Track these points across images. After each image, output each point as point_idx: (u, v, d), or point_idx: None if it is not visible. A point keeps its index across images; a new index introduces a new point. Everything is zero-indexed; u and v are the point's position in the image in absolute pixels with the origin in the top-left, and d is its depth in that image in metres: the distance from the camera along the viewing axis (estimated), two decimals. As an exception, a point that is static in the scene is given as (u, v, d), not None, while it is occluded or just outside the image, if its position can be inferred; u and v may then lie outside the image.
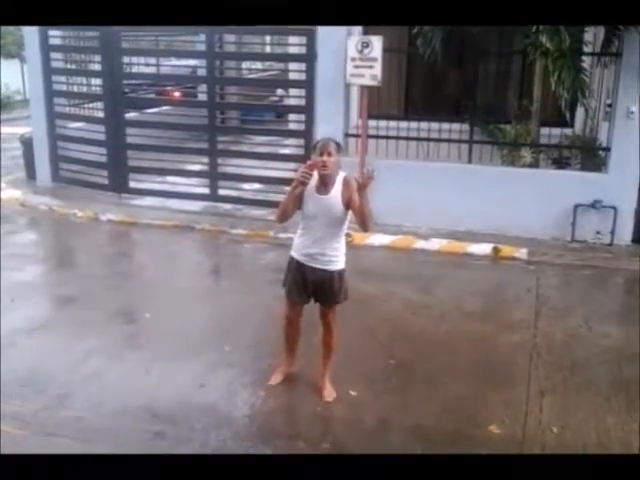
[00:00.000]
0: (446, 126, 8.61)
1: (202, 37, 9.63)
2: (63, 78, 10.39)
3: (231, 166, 9.48)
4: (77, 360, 5.12)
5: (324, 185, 4.33)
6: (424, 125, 8.56)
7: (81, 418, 4.45)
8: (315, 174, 4.28)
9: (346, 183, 4.35)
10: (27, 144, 10.66)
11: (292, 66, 9.90)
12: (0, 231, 8.41)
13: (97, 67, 10.04)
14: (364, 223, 4.34)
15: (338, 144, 4.37)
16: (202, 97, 10.13)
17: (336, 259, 4.50)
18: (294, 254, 4.61)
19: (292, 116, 10.57)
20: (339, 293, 4.57)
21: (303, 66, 8.79)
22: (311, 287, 4.56)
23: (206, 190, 9.52)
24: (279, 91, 14.10)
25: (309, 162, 4.24)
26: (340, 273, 4.54)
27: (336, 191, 4.33)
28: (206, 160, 9.51)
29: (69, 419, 4.42)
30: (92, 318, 5.93)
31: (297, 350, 4.92)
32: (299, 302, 4.67)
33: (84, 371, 5.00)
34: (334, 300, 4.60)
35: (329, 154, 4.24)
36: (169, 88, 13.87)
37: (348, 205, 4.33)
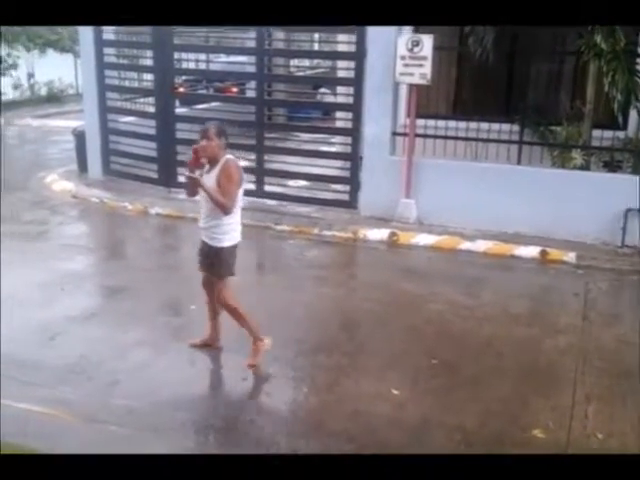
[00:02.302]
0: (495, 126, 8.50)
1: (251, 34, 9.70)
2: (115, 73, 10.58)
3: (277, 163, 9.54)
4: (125, 349, 5.23)
5: (210, 166, 4.80)
6: (473, 125, 8.47)
7: (128, 406, 4.55)
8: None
9: (224, 166, 4.76)
10: (79, 137, 10.90)
11: (341, 64, 9.90)
12: (52, 222, 8.63)
13: (149, 62, 10.21)
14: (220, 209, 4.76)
15: (220, 129, 4.78)
16: (250, 94, 10.21)
17: (218, 236, 4.86)
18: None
19: (339, 114, 10.58)
20: (219, 268, 4.91)
21: (352, 64, 8.78)
22: (204, 259, 4.99)
23: (252, 186, 9.58)
24: (322, 89, 14.11)
25: (193, 147, 4.75)
26: (222, 249, 4.87)
27: (215, 172, 4.77)
28: (253, 156, 9.58)
29: (116, 407, 4.52)
30: (140, 309, 6.05)
31: (218, 325, 5.26)
32: (204, 273, 5.08)
33: (132, 360, 5.10)
34: (216, 274, 4.94)
35: (208, 138, 4.70)
36: (219, 84, 14.04)
37: (219, 185, 4.72)
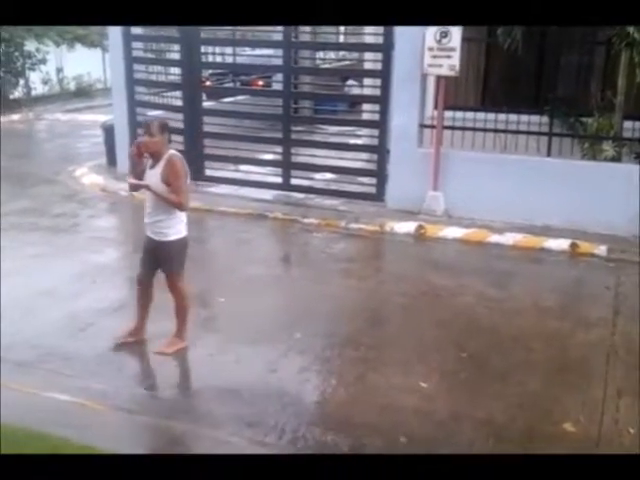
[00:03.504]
0: (525, 118, 8.39)
1: (278, 27, 9.70)
2: (143, 67, 10.65)
3: (304, 156, 9.54)
4: (154, 341, 5.27)
5: (154, 161, 4.79)
6: (502, 117, 8.37)
7: (157, 397, 4.60)
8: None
9: (168, 162, 4.74)
10: (108, 131, 10.99)
11: (368, 56, 9.86)
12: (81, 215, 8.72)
13: (176, 56, 10.25)
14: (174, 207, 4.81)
15: (161, 123, 4.78)
16: (277, 86, 10.21)
17: (165, 230, 4.85)
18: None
19: (366, 106, 10.54)
20: (170, 263, 4.93)
21: (379, 56, 8.74)
22: (149, 254, 4.97)
23: (279, 179, 9.61)
24: (349, 81, 14.07)
25: (135, 142, 4.80)
26: (170, 243, 4.87)
27: (159, 167, 4.75)
28: (280, 149, 9.60)
29: (146, 397, 4.57)
30: (168, 301, 6.08)
31: (147, 314, 5.22)
32: (144, 268, 5.07)
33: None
34: (167, 268, 4.96)
35: (150, 135, 4.68)
36: (245, 77, 14.07)
37: (168, 183, 4.72)
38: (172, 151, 4.82)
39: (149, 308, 5.21)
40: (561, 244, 7.59)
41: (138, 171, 4.85)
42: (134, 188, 5.05)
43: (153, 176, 4.76)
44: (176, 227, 4.88)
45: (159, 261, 4.98)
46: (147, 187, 4.77)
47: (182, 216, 4.90)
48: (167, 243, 4.88)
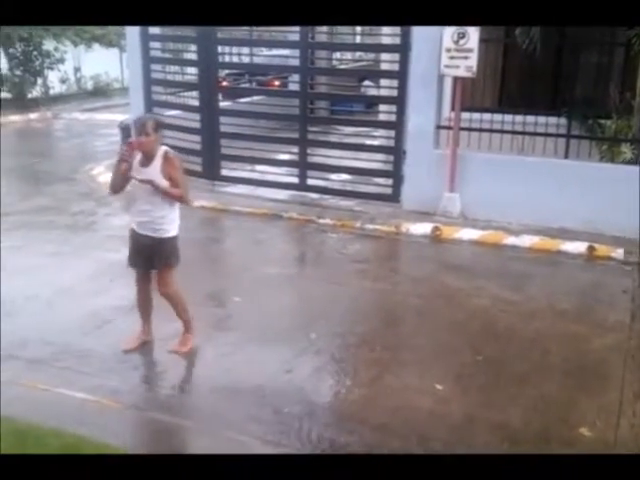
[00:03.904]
0: (542, 119, 8.35)
1: (294, 27, 9.71)
2: (160, 67, 10.70)
3: (320, 156, 9.54)
4: (170, 340, 5.29)
5: (146, 159, 4.75)
6: (519, 118, 8.34)
7: (172, 395, 4.62)
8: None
9: (166, 158, 4.76)
10: (125, 130, 10.97)
11: (384, 56, 9.84)
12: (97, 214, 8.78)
13: (193, 56, 10.29)
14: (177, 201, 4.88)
15: (156, 122, 4.80)
16: (293, 87, 10.21)
17: (166, 227, 4.86)
18: (132, 225, 4.99)
19: (382, 107, 10.52)
20: (168, 258, 4.92)
21: (396, 56, 8.72)
22: (145, 253, 4.91)
23: (295, 179, 9.62)
24: (366, 82, 14.07)
25: (128, 141, 4.67)
26: (170, 239, 4.90)
27: (156, 164, 4.74)
28: (295, 150, 9.60)
29: (161, 396, 4.60)
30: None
31: (151, 318, 5.20)
32: (139, 269, 5.03)
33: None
34: (164, 265, 4.94)
35: (147, 134, 4.64)
36: (262, 78, 14.10)
37: (170, 178, 4.74)
38: (164, 147, 4.82)
39: (152, 308, 5.19)
40: (578, 247, 7.54)
41: (123, 170, 4.74)
42: (119, 187, 4.88)
43: (149, 174, 4.72)
44: (175, 222, 4.93)
45: (155, 258, 4.92)
46: (151, 182, 4.70)
47: (177, 212, 4.95)
48: (168, 239, 4.89)
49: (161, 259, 4.92)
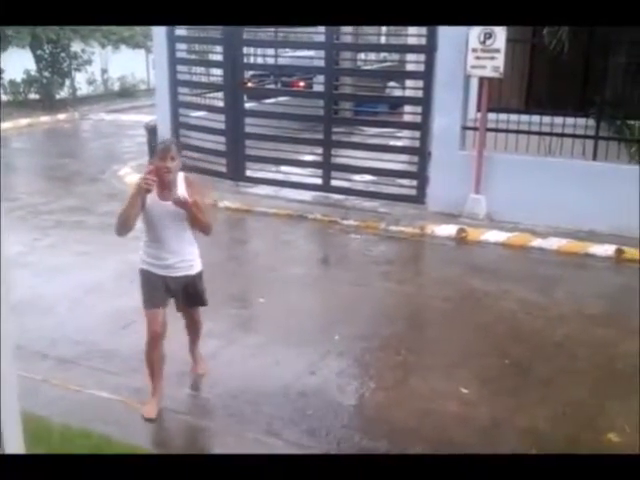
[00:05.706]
0: (570, 121, 8.24)
1: (319, 28, 9.71)
2: (186, 68, 10.77)
3: (344, 157, 9.53)
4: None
5: (167, 190, 4.11)
6: (546, 119, 8.25)
7: (196, 396, 4.64)
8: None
9: (189, 183, 4.24)
10: (151, 131, 11.12)
11: (410, 57, 9.79)
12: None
13: (218, 58, 10.34)
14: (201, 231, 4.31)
15: (179, 146, 4.29)
16: (317, 88, 10.21)
17: (195, 262, 4.43)
18: (148, 268, 4.40)
19: (407, 108, 10.48)
20: (203, 293, 4.54)
21: (422, 57, 8.68)
22: (177, 295, 4.44)
23: (319, 180, 9.61)
24: (391, 83, 14.03)
25: (151, 167, 4.08)
26: (200, 275, 4.49)
27: (181, 193, 4.12)
28: (320, 151, 9.60)
29: (184, 396, 4.61)
30: (209, 301, 6.13)
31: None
32: (161, 316, 4.36)
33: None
34: (200, 302, 4.57)
35: (172, 159, 4.06)
36: (287, 79, 14.12)
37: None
38: (182, 172, 4.27)
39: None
40: (606, 250, 7.43)
41: (140, 202, 4.13)
42: (132, 224, 4.20)
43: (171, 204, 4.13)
44: (198, 254, 4.47)
45: (190, 296, 4.51)
46: (195, 204, 4.10)
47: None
48: (199, 275, 4.47)
49: (196, 295, 4.53)
